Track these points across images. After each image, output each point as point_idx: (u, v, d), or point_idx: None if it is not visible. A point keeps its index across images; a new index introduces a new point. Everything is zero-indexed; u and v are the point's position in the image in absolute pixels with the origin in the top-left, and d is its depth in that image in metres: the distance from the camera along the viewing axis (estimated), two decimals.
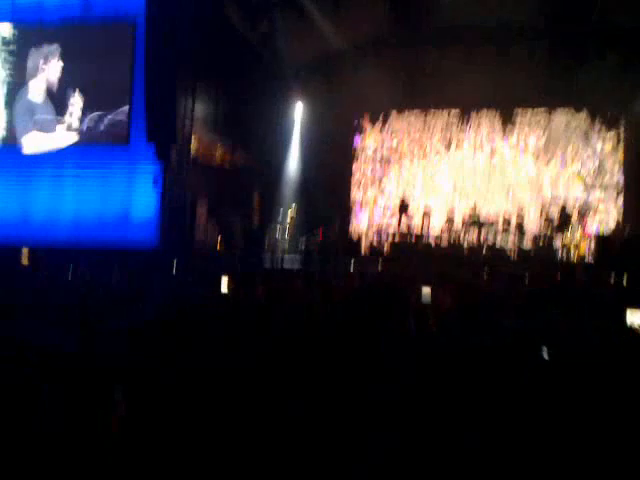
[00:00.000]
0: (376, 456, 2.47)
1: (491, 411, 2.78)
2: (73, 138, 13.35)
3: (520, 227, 13.68)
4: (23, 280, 7.73)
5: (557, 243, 13.21)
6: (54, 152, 13.32)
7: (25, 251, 7.50)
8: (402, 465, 2.44)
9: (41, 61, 13.69)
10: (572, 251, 13.02)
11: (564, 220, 13.49)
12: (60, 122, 13.44)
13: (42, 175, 13.16)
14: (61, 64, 13.57)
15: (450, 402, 2.86)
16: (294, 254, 13.01)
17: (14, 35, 13.82)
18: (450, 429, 2.65)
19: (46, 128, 13.50)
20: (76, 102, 13.34)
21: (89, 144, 13.27)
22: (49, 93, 13.64)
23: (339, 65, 15.39)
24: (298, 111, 16.01)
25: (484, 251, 13.18)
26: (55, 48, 13.58)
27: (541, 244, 13.20)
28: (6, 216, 13.02)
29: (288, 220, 13.88)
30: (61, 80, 13.50)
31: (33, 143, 13.53)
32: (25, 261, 7.34)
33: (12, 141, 13.69)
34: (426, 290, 5.73)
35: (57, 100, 13.53)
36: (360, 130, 16.49)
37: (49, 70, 13.65)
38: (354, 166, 16.45)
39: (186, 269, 9.34)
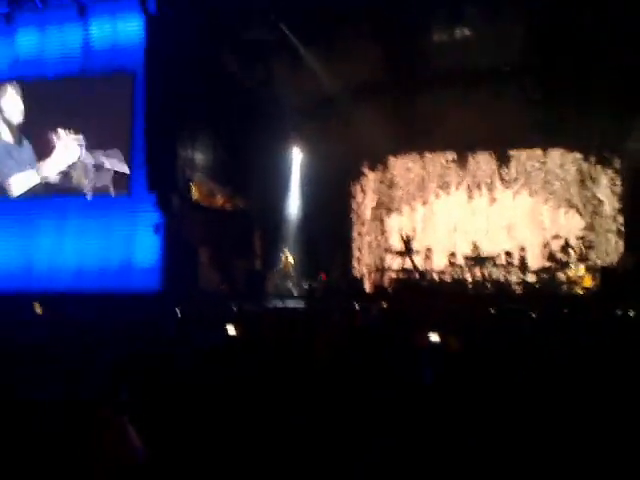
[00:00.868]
0: (376, 459, 2.44)
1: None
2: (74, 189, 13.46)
3: (523, 262, 13.68)
4: (28, 329, 7.66)
5: (561, 277, 13.18)
6: (56, 203, 13.36)
7: (36, 304, 7.42)
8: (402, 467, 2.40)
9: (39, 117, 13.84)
10: (576, 284, 12.99)
11: (566, 254, 13.48)
12: (61, 173, 13.56)
13: (45, 226, 13.18)
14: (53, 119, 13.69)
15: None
16: (298, 296, 12.95)
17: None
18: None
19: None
20: (76, 153, 13.45)
21: (91, 196, 13.35)
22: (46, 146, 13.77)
23: (336, 110, 15.58)
24: (297, 155, 16.15)
25: (488, 287, 13.14)
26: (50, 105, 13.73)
27: (545, 278, 13.18)
28: (9, 267, 13.00)
29: (284, 263, 13.97)
30: (61, 131, 13.62)
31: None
32: (38, 310, 7.25)
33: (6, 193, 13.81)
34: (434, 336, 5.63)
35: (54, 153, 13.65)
36: (359, 173, 16.62)
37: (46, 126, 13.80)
38: (354, 209, 16.52)
39: (190, 313, 9.27)
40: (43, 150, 13.58)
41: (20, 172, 13.71)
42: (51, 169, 13.51)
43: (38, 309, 6.59)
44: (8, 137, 13.91)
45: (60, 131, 13.45)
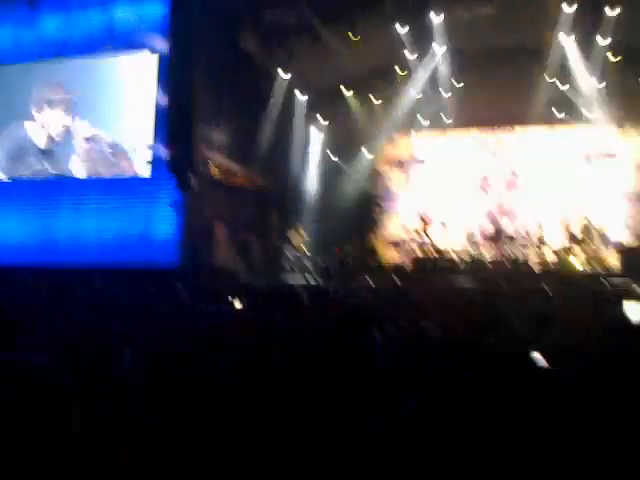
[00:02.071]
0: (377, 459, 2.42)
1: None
2: (93, 170, 13.73)
3: (542, 240, 13.56)
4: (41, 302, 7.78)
5: (580, 255, 13.02)
6: (76, 183, 13.67)
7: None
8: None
9: (54, 105, 14.08)
10: (596, 263, 12.82)
11: (586, 232, 13.30)
12: (80, 159, 13.86)
13: (64, 204, 13.52)
14: (70, 99, 13.90)
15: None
16: (312, 272, 13.05)
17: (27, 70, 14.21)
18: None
19: (62, 163, 13.93)
20: (97, 135, 13.71)
21: (111, 174, 13.63)
22: (60, 132, 14.02)
23: (356, 88, 15.63)
24: (315, 133, 16.22)
25: (507, 265, 13.03)
26: (69, 92, 13.96)
27: (563, 257, 13.05)
28: (30, 242, 13.36)
29: (296, 239, 14.08)
30: (78, 115, 13.88)
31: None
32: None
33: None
34: None
35: (70, 139, 13.92)
36: (377, 151, 16.61)
37: (60, 112, 14.06)
38: (373, 186, 16.54)
39: (203, 289, 9.39)
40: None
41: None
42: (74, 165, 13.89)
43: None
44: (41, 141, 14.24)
45: (77, 121, 13.77)
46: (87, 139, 13.68)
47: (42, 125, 14.04)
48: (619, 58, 13.58)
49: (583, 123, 14.64)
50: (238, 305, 6.92)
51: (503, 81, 14.68)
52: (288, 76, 14.55)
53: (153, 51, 13.50)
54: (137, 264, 11.81)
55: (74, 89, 13.85)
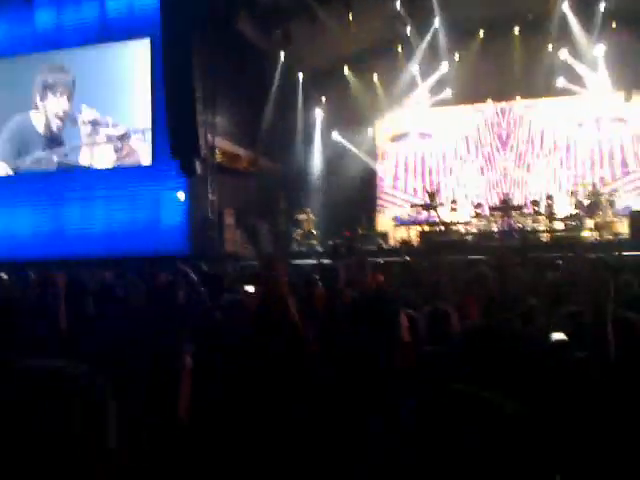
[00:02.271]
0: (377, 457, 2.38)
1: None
2: (97, 156, 13.73)
3: (550, 210, 13.48)
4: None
5: (589, 223, 12.94)
6: (83, 176, 13.68)
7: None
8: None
9: (56, 90, 14.08)
10: (605, 230, 12.72)
11: (594, 200, 13.20)
12: (83, 146, 13.84)
13: (72, 196, 13.56)
14: (70, 91, 13.91)
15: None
16: (322, 254, 13.01)
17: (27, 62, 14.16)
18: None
19: (69, 154, 13.92)
20: (97, 125, 13.70)
21: (115, 165, 13.63)
22: (63, 119, 14.02)
23: (355, 67, 15.53)
24: (318, 114, 16.13)
25: (516, 237, 12.96)
26: (69, 77, 13.93)
27: (572, 225, 12.97)
28: (41, 235, 13.45)
29: (305, 222, 14.05)
30: (79, 104, 13.84)
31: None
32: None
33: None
34: None
35: (73, 126, 13.90)
36: (380, 127, 16.51)
37: (62, 99, 14.04)
38: (379, 164, 16.49)
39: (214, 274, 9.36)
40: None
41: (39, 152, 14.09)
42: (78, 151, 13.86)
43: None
44: (45, 128, 14.22)
45: (83, 109, 13.74)
46: (90, 123, 13.68)
47: (45, 112, 14.05)
48: (622, 23, 13.48)
49: (588, 90, 14.51)
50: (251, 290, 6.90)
51: (503, 51, 14.62)
52: (287, 57, 14.47)
53: (147, 36, 13.42)
54: (146, 253, 11.83)
55: (73, 72, 13.84)
